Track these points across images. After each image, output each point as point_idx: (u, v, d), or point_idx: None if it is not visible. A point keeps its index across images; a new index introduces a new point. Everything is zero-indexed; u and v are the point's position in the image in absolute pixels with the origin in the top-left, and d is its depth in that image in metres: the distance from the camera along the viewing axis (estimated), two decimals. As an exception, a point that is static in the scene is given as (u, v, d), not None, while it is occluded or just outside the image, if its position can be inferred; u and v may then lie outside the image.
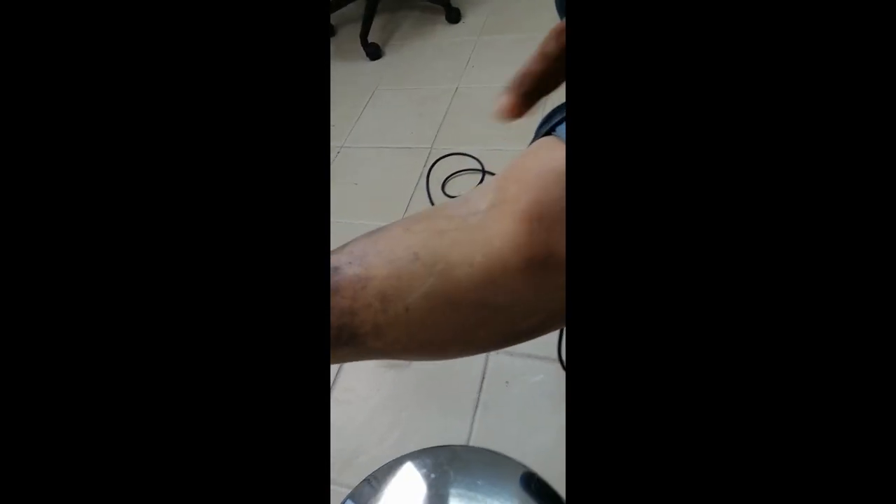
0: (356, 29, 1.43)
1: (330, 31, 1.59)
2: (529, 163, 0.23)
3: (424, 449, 0.62)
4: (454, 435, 0.71)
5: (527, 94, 0.23)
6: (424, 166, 1.04)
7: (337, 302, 0.23)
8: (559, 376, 0.73)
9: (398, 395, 0.76)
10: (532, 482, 0.46)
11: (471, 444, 0.69)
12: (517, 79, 0.23)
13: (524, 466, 0.47)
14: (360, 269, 0.23)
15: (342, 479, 0.69)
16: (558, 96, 0.23)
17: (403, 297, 0.22)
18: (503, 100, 0.23)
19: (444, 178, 1.01)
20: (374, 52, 1.43)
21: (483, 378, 0.75)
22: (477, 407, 0.73)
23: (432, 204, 0.96)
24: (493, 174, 0.94)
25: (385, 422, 0.74)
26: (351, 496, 0.62)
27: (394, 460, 0.60)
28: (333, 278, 0.23)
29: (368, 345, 0.23)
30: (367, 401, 0.77)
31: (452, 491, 0.48)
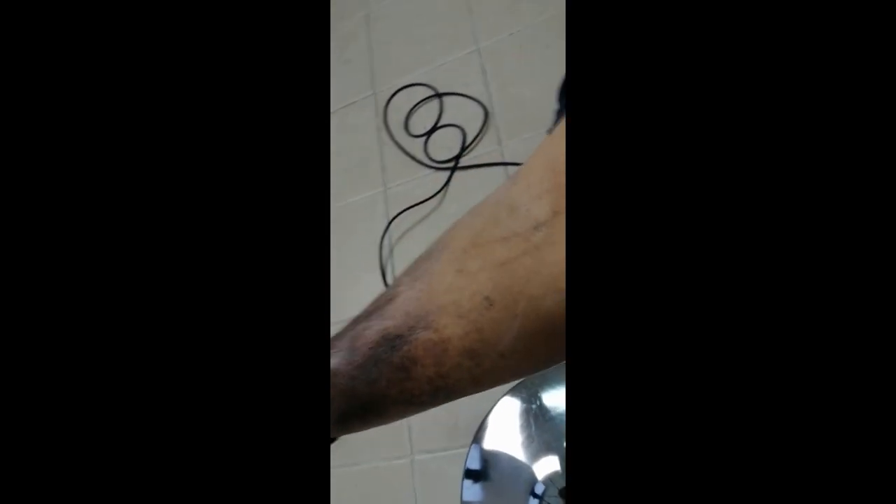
0: None
1: None
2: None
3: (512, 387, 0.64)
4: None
5: None
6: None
7: (420, 372, 0.20)
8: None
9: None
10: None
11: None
12: None
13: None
14: (431, 332, 0.20)
15: (453, 444, 0.71)
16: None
17: (493, 347, 0.20)
18: None
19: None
20: None
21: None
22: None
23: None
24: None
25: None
26: (475, 441, 0.65)
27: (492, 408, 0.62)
28: (403, 350, 0.21)
29: (468, 392, 0.22)
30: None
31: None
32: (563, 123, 0.20)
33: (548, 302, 0.19)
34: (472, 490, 0.65)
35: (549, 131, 0.22)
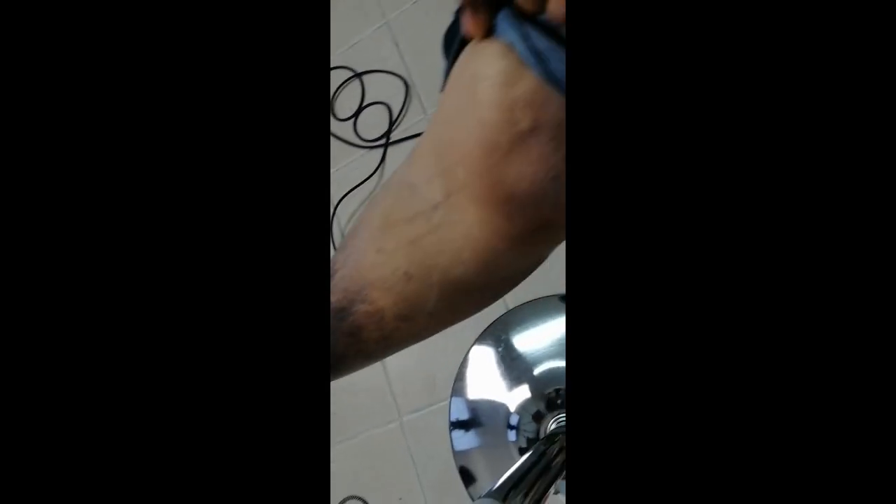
0: None
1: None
2: (464, 120, 0.20)
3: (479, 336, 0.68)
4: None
5: None
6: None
7: (367, 335, 0.24)
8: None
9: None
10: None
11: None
12: None
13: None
14: (367, 305, 0.24)
15: (435, 399, 0.76)
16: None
17: (421, 309, 0.23)
18: (469, 20, 0.20)
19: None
20: None
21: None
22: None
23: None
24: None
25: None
26: (454, 393, 0.69)
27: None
28: (349, 320, 0.24)
29: (412, 343, 0.25)
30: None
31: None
32: (448, 86, 0.22)
33: (456, 271, 0.22)
34: (461, 439, 0.70)
35: (441, 90, 0.24)
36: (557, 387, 0.61)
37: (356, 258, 0.25)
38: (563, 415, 0.57)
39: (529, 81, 0.19)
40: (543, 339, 0.66)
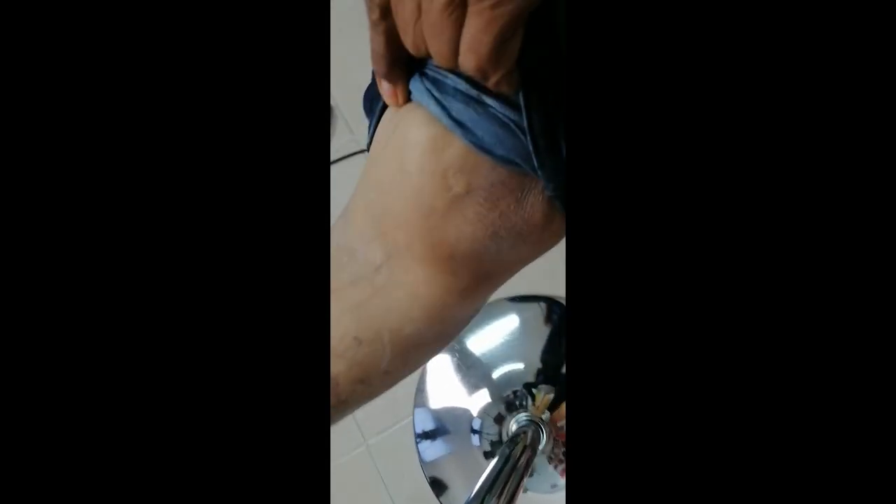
0: None
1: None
2: (397, 187, 0.21)
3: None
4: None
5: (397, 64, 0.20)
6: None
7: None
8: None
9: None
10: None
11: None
12: (383, 63, 0.20)
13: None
14: None
15: (399, 416, 0.76)
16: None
17: (376, 370, 0.23)
18: (387, 90, 0.20)
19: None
20: None
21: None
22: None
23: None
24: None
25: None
26: (417, 405, 0.70)
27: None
28: None
29: (368, 401, 0.25)
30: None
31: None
32: (375, 149, 0.23)
33: (407, 328, 0.22)
34: (428, 450, 0.71)
35: (368, 148, 0.24)
36: (514, 388, 0.63)
37: None
38: (523, 415, 0.59)
39: (458, 148, 0.19)
40: (497, 342, 0.68)
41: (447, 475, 0.69)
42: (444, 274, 0.21)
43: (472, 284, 0.22)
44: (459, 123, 0.19)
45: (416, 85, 0.20)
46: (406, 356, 0.24)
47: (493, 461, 0.42)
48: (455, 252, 0.21)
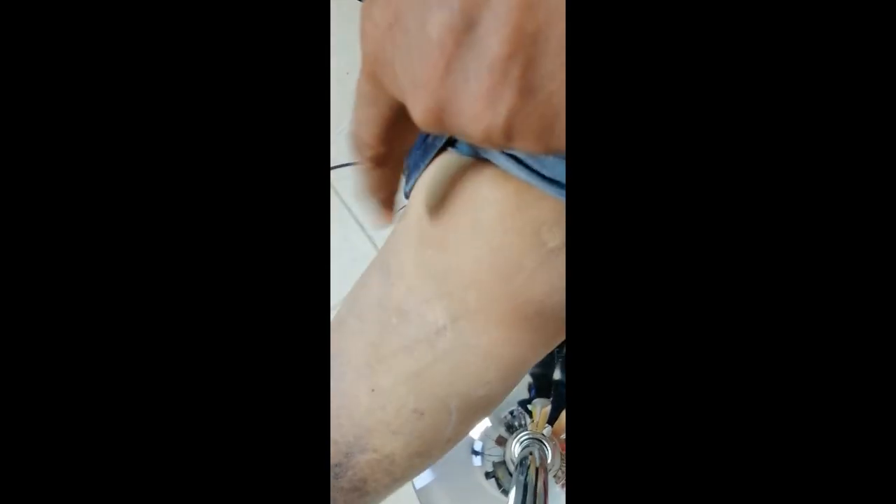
0: None
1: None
2: (468, 246, 0.19)
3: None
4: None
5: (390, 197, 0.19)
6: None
7: (374, 486, 0.21)
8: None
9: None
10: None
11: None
12: (371, 186, 0.19)
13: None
14: (371, 453, 0.21)
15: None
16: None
17: (438, 441, 0.21)
18: (378, 217, 0.19)
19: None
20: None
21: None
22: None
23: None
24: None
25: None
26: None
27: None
28: (347, 474, 0.21)
29: (419, 473, 0.23)
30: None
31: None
32: (424, 203, 0.21)
33: (479, 391, 0.20)
34: (422, 476, 0.69)
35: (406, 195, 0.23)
36: (511, 409, 0.63)
37: (343, 404, 0.22)
38: (524, 434, 0.59)
39: (548, 202, 0.18)
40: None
41: (443, 501, 0.68)
42: (528, 332, 0.20)
43: (557, 334, 0.21)
44: (551, 181, 0.18)
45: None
46: (473, 420, 0.22)
47: (512, 494, 0.42)
48: (544, 308, 0.19)
